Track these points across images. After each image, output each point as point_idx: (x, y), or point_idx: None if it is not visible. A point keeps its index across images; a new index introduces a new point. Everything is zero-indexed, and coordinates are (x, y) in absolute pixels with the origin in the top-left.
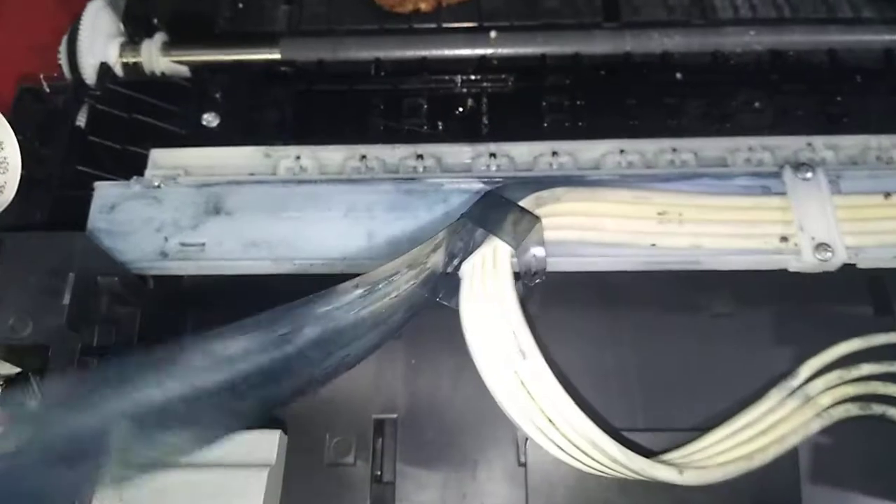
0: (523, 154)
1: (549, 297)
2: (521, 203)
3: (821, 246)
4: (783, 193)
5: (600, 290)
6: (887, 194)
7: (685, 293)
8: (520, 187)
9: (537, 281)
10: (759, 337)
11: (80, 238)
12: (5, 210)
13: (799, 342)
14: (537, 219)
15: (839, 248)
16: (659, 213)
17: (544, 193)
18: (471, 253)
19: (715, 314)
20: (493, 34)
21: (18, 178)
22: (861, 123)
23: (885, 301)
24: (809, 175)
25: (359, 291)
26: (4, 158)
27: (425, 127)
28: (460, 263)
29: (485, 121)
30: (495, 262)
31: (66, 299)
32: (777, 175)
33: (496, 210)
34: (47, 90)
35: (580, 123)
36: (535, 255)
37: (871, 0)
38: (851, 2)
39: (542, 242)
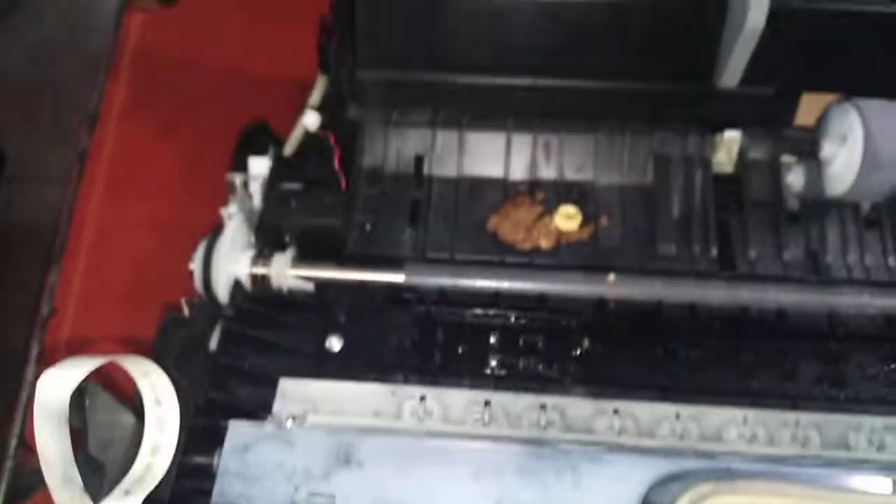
0: (645, 415)
1: None
2: None
3: None
4: None
5: None
6: None
7: None
8: (663, 489)
9: None
10: None
11: None
12: None
13: None
14: None
15: None
16: None
17: (693, 496)
18: None
19: None
20: (611, 277)
21: (176, 438)
22: None
23: None
24: None
25: None
26: (160, 419)
27: (541, 366)
28: None
29: (602, 366)
30: None
31: None
32: None
33: None
34: (187, 313)
35: (697, 376)
36: None
37: None
38: None
39: None
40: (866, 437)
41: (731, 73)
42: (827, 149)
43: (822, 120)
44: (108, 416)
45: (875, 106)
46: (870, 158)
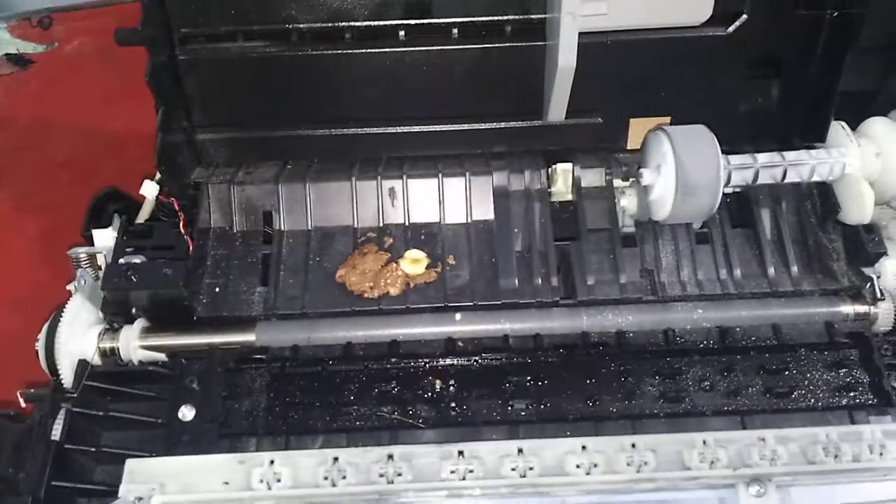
0: (489, 454)
1: None
2: None
3: None
4: None
5: None
6: None
7: None
8: None
9: None
10: None
11: None
12: None
13: None
14: None
15: None
16: None
17: None
18: None
19: None
20: (458, 316)
21: None
22: (805, 400)
23: None
24: (762, 490)
25: None
26: None
27: (396, 413)
28: None
29: (452, 405)
30: None
31: None
32: (732, 486)
33: None
34: (23, 405)
35: (543, 405)
36: None
37: (807, 272)
38: (791, 275)
39: None
40: (699, 454)
41: (556, 109)
42: (646, 177)
43: (642, 147)
44: None
45: (684, 133)
46: (682, 186)
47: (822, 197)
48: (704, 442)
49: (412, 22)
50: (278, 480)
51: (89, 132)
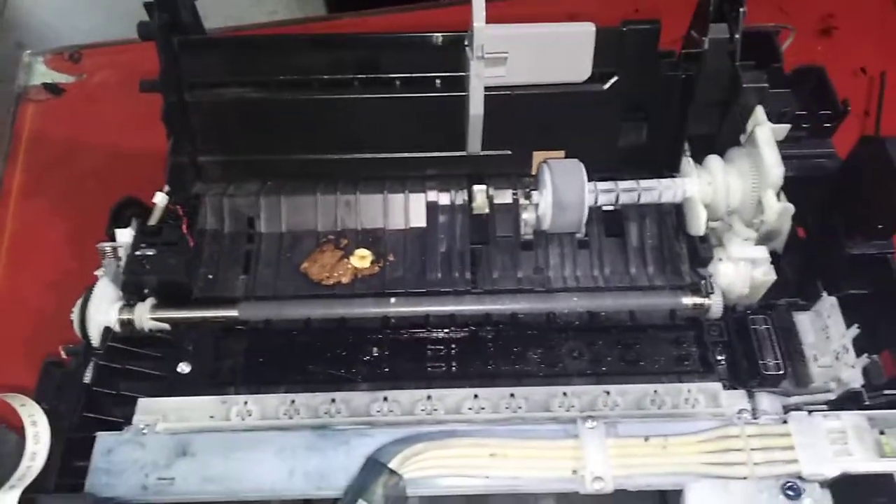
0: (406, 399)
1: None
2: (392, 463)
3: (597, 479)
4: (576, 436)
5: None
6: (646, 437)
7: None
8: (392, 447)
9: None
10: None
11: (86, 498)
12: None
13: None
14: (401, 477)
15: (609, 480)
16: (490, 455)
17: (408, 452)
18: None
19: None
20: (392, 300)
21: (48, 447)
22: (650, 367)
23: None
24: (593, 424)
25: None
26: (37, 434)
27: (342, 371)
28: None
29: (384, 366)
30: None
31: None
32: (574, 422)
33: (371, 477)
34: (64, 356)
35: (453, 367)
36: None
37: (661, 271)
38: (648, 273)
39: (404, 492)
40: (559, 402)
41: (473, 143)
42: (535, 197)
43: (536, 174)
44: None
45: (560, 165)
46: (557, 204)
47: (678, 214)
48: (565, 393)
49: (363, 76)
50: (249, 415)
51: (111, 151)
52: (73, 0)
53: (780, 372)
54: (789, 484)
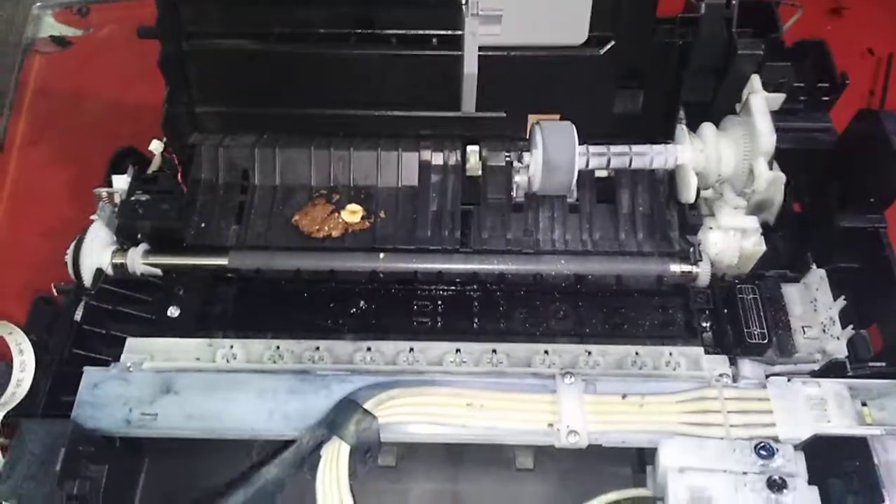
0: (389, 350)
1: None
2: (367, 405)
3: (572, 432)
4: (554, 391)
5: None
6: (624, 395)
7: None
8: (368, 391)
9: (371, 457)
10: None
11: (69, 423)
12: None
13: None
14: (375, 418)
15: (584, 434)
16: (467, 404)
17: (383, 396)
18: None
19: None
20: (381, 255)
21: (33, 375)
22: (634, 330)
23: (641, 464)
24: (572, 380)
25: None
26: (23, 361)
27: (329, 322)
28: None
29: (371, 319)
30: (338, 457)
31: (58, 466)
32: (552, 378)
33: (344, 414)
34: (56, 294)
35: (438, 323)
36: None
37: (650, 237)
38: (637, 239)
39: (377, 435)
40: (540, 359)
41: (467, 103)
42: (526, 158)
43: (528, 136)
44: None
45: (551, 126)
46: (546, 164)
47: (670, 182)
48: (546, 351)
49: (360, 31)
50: (234, 358)
51: (114, 103)
52: None
53: (764, 341)
54: (762, 444)
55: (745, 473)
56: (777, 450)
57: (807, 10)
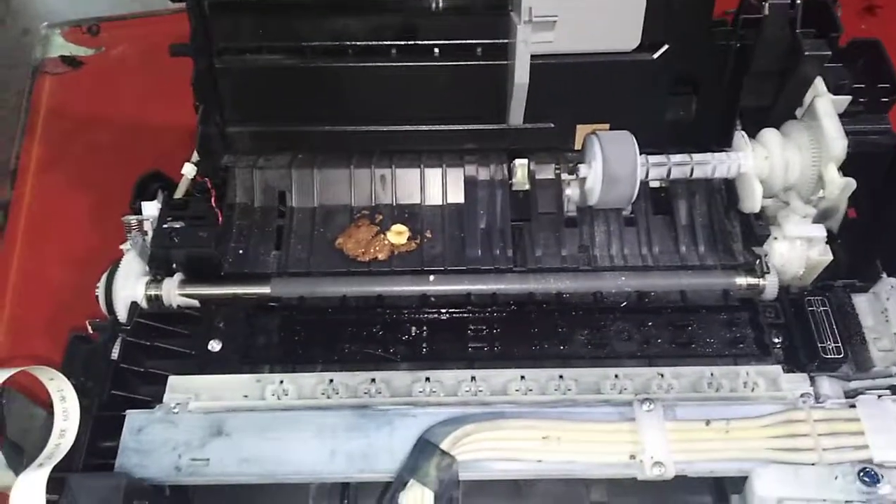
0: (449, 379)
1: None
2: (443, 444)
3: (657, 464)
4: (633, 419)
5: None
6: (707, 421)
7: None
8: (441, 429)
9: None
10: None
11: (121, 477)
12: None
13: None
14: (454, 459)
15: (670, 465)
16: (543, 437)
17: (458, 433)
18: None
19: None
20: (431, 278)
21: (78, 423)
22: (703, 349)
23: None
24: (651, 407)
25: None
26: (66, 409)
27: (380, 350)
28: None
29: (424, 346)
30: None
31: None
32: (629, 404)
33: (424, 458)
34: (91, 331)
35: (496, 348)
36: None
37: (712, 250)
38: (699, 252)
39: (457, 476)
40: (611, 384)
41: (515, 115)
42: (582, 170)
43: (581, 147)
44: (25, 411)
45: (611, 136)
46: (607, 177)
47: (728, 192)
48: (616, 375)
49: (401, 42)
50: (286, 394)
51: (130, 123)
52: None
53: (840, 356)
54: (866, 469)
55: (848, 503)
56: (882, 476)
57: (840, 10)
